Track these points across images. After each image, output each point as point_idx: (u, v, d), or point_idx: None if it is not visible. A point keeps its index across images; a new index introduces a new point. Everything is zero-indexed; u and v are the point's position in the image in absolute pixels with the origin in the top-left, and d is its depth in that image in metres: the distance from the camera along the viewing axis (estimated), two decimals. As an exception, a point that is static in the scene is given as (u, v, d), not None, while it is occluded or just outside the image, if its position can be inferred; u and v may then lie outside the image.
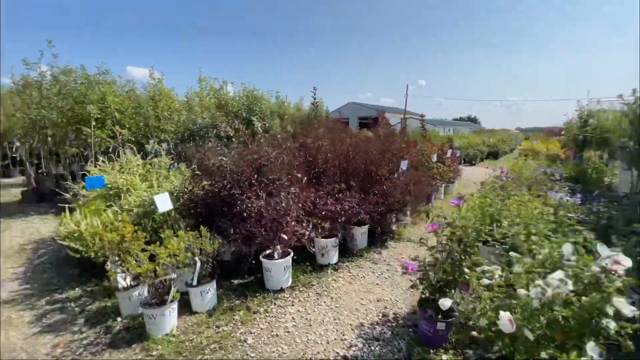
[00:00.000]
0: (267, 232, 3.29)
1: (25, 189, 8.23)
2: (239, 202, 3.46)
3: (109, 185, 4.39)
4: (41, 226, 5.91)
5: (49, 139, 7.45)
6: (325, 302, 3.04)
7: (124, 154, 7.52)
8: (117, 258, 3.09)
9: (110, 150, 7.53)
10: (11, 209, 7.27)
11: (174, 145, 8.56)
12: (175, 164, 5.74)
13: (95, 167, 5.36)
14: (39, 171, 10.12)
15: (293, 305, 3.01)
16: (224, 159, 3.77)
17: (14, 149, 10.58)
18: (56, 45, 6.76)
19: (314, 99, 4.70)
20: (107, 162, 5.52)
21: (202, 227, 3.12)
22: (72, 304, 3.13)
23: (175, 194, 4.09)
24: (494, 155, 18.18)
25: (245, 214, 3.36)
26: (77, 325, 2.78)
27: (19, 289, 3.47)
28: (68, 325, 2.78)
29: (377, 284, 3.40)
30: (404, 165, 4.72)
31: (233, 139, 9.30)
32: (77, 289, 3.42)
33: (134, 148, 7.06)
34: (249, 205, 3.30)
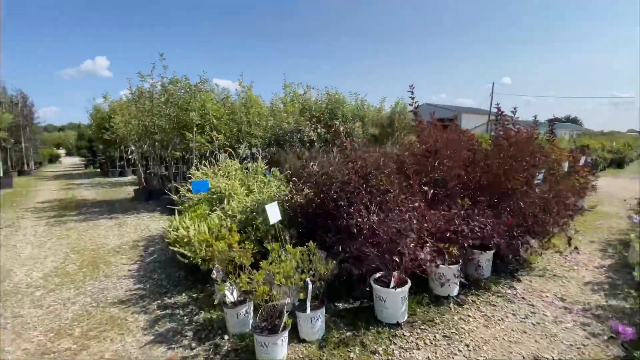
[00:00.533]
0: (381, 254, 2.80)
1: (137, 187, 9.23)
2: (345, 215, 3.05)
3: (213, 190, 4.42)
4: (150, 223, 6.39)
5: (156, 143, 8.21)
6: (460, 350, 2.42)
7: (220, 158, 7.87)
8: (223, 268, 2.93)
9: (207, 154, 7.96)
10: (126, 206, 8.15)
11: (262, 149, 8.74)
12: (268, 168, 5.66)
13: (198, 170, 5.56)
14: (147, 171, 11.36)
15: (419, 349, 2.45)
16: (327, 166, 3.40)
17: (128, 152, 12.16)
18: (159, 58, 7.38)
19: (412, 99, 4.09)
20: (208, 166, 5.71)
21: (310, 242, 2.78)
22: (181, 312, 3.06)
23: (276, 201, 3.89)
24: (617, 163, 14.97)
25: (354, 230, 2.94)
26: (187, 338, 2.65)
27: (133, 288, 3.58)
28: (178, 337, 2.67)
29: (525, 332, 2.64)
30: (540, 176, 3.81)
31: (315, 143, 9.16)
32: (183, 294, 3.38)
33: (232, 153, 7.30)
34: (359, 220, 2.85)
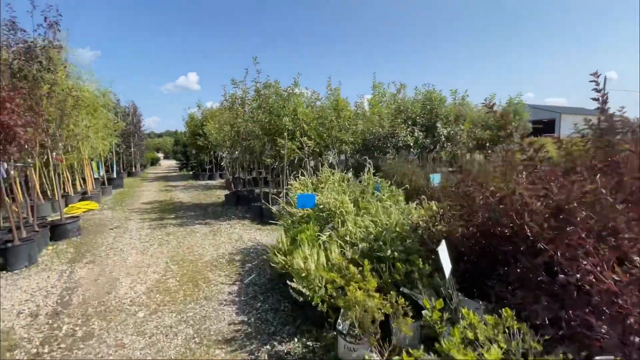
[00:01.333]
0: (623, 337, 1.71)
1: (227, 192, 9.29)
2: (563, 267, 2.01)
3: (320, 206, 3.76)
4: (243, 233, 6.10)
5: (247, 149, 8.09)
6: None
7: (309, 165, 7.36)
8: (353, 318, 2.17)
9: (295, 161, 7.53)
10: (217, 211, 8.15)
11: (350, 156, 8.03)
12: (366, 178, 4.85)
13: (296, 180, 5.01)
14: (235, 176, 11.54)
15: None
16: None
17: (218, 158, 12.65)
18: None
19: (598, 91, 2.97)
20: (303, 175, 5.13)
21: (506, 311, 1.82)
22: (296, 369, 2.38)
23: (399, 226, 3.02)
24: None
25: (566, 289, 1.90)
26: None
27: (237, 321, 3.06)
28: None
29: None
30: None
31: (412, 149, 8.09)
32: (296, 339, 2.72)
33: (330, 160, 6.68)
34: (589, 278, 1.80)
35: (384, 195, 3.88)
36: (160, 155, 37.41)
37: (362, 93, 9.44)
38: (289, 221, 3.95)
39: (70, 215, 6.94)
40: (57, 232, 5.98)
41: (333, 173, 4.82)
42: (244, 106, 7.64)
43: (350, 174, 5.01)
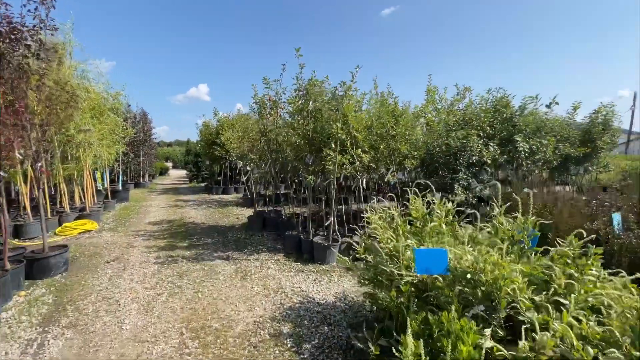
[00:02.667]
0: None
1: (251, 214, 7.78)
2: None
3: (455, 269, 2.20)
4: (281, 278, 4.54)
5: (278, 163, 6.62)
6: None
7: (361, 184, 5.83)
8: None
9: (341, 178, 6.00)
10: (240, 238, 6.61)
11: (415, 174, 6.49)
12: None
13: (374, 212, 3.48)
14: (258, 192, 10.03)
15: None
16: None
17: (238, 171, 11.23)
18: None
19: None
20: (375, 205, 3.62)
21: None
22: None
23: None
24: None
25: None
26: None
27: None
28: None
29: None
30: None
31: (487, 167, 6.52)
32: None
33: (388, 178, 5.21)
34: None
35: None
36: (169, 164, 36.45)
37: (407, 100, 7.70)
38: (388, 296, 2.39)
39: (56, 244, 5.47)
40: (36, 268, 4.51)
41: (430, 203, 3.27)
42: (276, 108, 6.21)
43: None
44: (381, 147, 5.73)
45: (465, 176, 5.99)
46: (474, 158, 6.05)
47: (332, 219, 5.21)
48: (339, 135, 5.00)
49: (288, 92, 6.31)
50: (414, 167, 6.19)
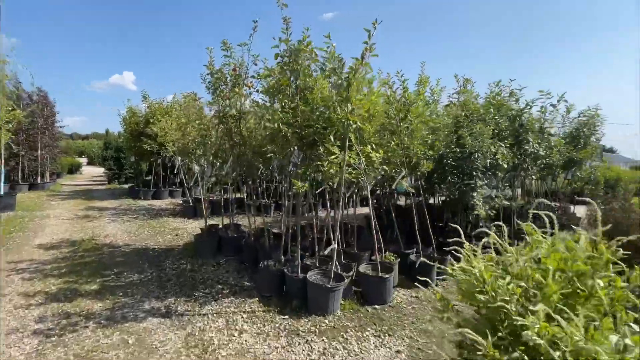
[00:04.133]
0: None
1: (200, 232, 5.68)
2: None
3: None
4: (269, 353, 2.75)
5: (239, 161, 4.74)
6: None
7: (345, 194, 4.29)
8: None
9: (332, 188, 4.40)
10: (186, 271, 4.55)
11: (418, 179, 5.14)
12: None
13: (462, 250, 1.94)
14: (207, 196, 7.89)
15: None
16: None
17: (176, 170, 8.83)
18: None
19: None
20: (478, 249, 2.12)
21: None
22: None
23: None
24: None
25: None
26: None
27: None
28: None
29: None
30: None
31: (498, 172, 5.50)
32: None
33: (404, 186, 3.86)
34: None
35: None
36: (84, 160, 30.76)
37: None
38: None
39: None
40: None
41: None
42: (242, 84, 4.35)
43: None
44: (392, 144, 4.26)
45: (483, 183, 4.86)
46: (488, 161, 4.96)
47: (334, 245, 3.58)
48: (348, 124, 3.39)
49: (261, 63, 4.52)
50: (426, 172, 4.87)
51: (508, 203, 5.31)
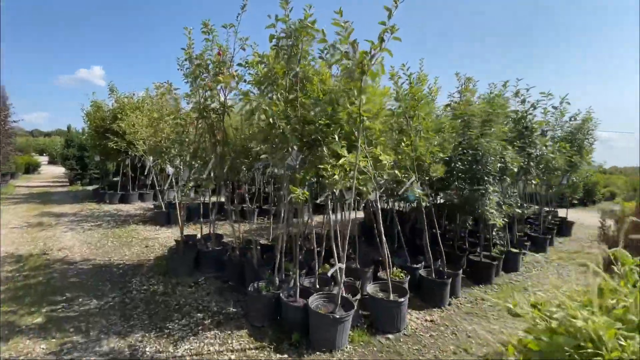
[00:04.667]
0: None
1: (175, 244, 4.89)
2: None
3: None
4: None
5: (222, 161, 4.05)
6: None
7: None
8: None
9: (337, 192, 3.80)
10: (156, 294, 3.78)
11: (428, 186, 4.62)
12: None
13: None
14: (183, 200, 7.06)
15: None
16: None
17: (148, 171, 7.90)
18: None
19: None
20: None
21: None
22: None
23: None
24: None
25: None
26: None
27: None
28: None
29: None
30: None
31: (506, 176, 5.12)
32: None
33: (416, 194, 3.35)
34: None
35: None
36: (44, 159, 28.40)
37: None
38: None
39: None
40: None
41: None
42: (228, 72, 3.68)
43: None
44: (402, 145, 3.73)
45: (496, 189, 4.44)
46: (499, 165, 4.56)
47: (340, 265, 2.98)
48: (361, 120, 2.81)
49: (249, 50, 3.89)
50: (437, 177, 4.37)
51: (520, 211, 4.95)
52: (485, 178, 4.42)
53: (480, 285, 4.50)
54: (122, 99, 9.31)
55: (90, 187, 12.68)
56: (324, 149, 3.11)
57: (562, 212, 8.35)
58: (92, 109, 9.91)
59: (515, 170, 4.68)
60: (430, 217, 4.38)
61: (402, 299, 3.17)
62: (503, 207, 4.56)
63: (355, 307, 2.97)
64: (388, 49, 2.69)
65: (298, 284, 3.23)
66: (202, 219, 5.54)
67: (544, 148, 5.27)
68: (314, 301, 3.04)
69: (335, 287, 3.44)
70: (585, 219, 9.43)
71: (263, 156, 3.22)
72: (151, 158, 7.51)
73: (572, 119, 7.11)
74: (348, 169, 3.07)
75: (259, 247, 4.29)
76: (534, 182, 6.19)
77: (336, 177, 3.02)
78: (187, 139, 3.84)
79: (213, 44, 3.94)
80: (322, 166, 3.11)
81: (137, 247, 5.57)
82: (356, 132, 2.90)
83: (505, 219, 4.51)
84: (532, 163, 5.42)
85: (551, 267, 5.46)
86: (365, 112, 2.83)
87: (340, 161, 2.92)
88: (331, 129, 3.20)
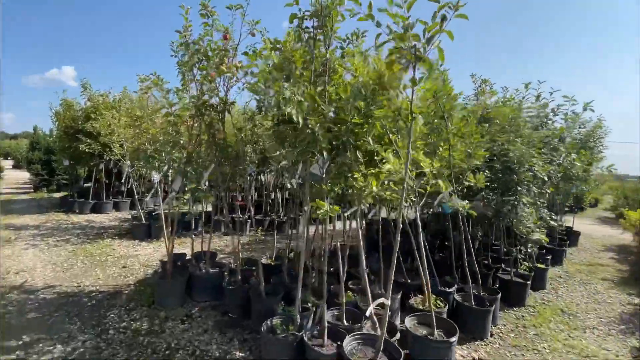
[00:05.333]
0: None
1: (161, 267, 4.12)
2: None
3: None
4: None
5: (220, 164, 3.37)
6: None
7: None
8: None
9: (367, 209, 3.22)
10: (138, 333, 3.02)
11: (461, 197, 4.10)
12: None
13: None
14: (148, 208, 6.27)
15: None
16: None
17: (124, 178, 7.03)
18: None
19: None
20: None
21: None
22: None
23: None
24: None
25: None
26: None
27: None
28: None
29: None
30: None
31: (533, 186, 4.70)
32: None
33: (454, 205, 2.81)
34: None
35: None
36: (8, 163, 26.27)
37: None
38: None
39: None
40: None
41: None
42: (232, 60, 3.04)
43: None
44: (440, 150, 3.20)
45: (529, 199, 4.00)
46: (530, 174, 4.13)
47: (385, 300, 2.38)
48: (413, 117, 2.24)
49: (257, 38, 3.28)
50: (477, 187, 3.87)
51: (555, 224, 4.54)
52: (519, 188, 3.98)
53: (514, 308, 4.01)
54: (97, 97, 8.36)
55: (57, 195, 11.46)
56: (358, 153, 2.52)
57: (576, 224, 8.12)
58: (62, 108, 8.89)
59: (546, 179, 4.27)
60: (463, 234, 3.87)
61: (452, 339, 2.60)
62: (544, 219, 4.12)
63: (403, 356, 2.36)
64: (449, 31, 2.14)
65: (325, 322, 2.60)
66: (192, 232, 4.79)
67: (569, 155, 4.92)
68: (348, 345, 2.42)
69: (367, 321, 2.83)
70: (583, 227, 9.29)
71: (283, 163, 2.58)
72: (129, 163, 6.68)
73: (582, 125, 6.89)
74: (384, 178, 2.51)
75: (259, 269, 3.61)
76: (548, 190, 5.85)
77: (373, 188, 2.44)
78: (180, 141, 3.14)
79: (213, 29, 3.30)
80: (354, 174, 2.53)
81: (113, 267, 4.74)
82: (403, 133, 2.34)
83: (543, 233, 4.06)
84: (551, 171, 5.06)
85: (575, 283, 5.08)
86: (416, 107, 2.27)
87: (386, 167, 2.34)
88: (364, 129, 2.63)
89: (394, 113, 2.38)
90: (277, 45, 2.79)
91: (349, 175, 2.66)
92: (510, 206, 3.98)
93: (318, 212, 2.35)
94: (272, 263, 4.39)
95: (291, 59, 2.65)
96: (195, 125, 3.20)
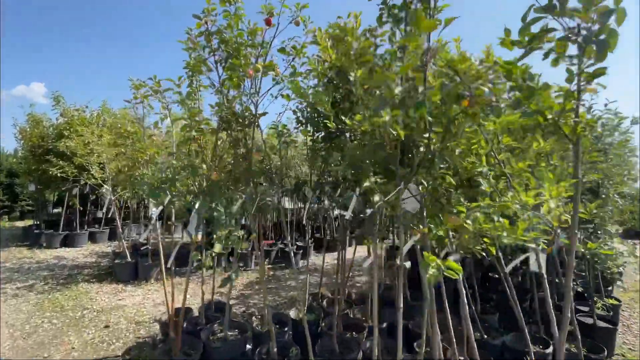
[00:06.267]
0: None
1: (160, 335, 3.10)
2: None
3: None
4: None
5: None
6: None
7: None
8: None
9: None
10: None
11: None
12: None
13: None
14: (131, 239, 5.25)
15: None
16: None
17: (107, 206, 5.89)
18: None
19: None
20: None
21: None
22: None
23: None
24: None
25: None
26: None
27: None
28: None
29: None
30: None
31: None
32: None
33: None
34: None
35: None
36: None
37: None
38: None
39: None
40: None
41: None
42: (258, 62, 2.24)
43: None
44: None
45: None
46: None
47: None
48: (579, 129, 1.49)
49: (299, 31, 2.52)
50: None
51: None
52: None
53: (608, 363, 3.26)
54: (71, 111, 7.26)
55: (20, 224, 9.99)
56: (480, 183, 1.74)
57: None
58: (29, 125, 7.70)
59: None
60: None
61: None
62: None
63: None
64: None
65: None
66: (189, 269, 3.80)
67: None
68: None
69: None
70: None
71: (376, 198, 1.74)
72: (110, 189, 5.59)
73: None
74: (493, 213, 1.74)
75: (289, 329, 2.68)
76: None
77: (500, 227, 1.66)
78: (203, 165, 2.23)
79: (233, 19, 2.49)
80: (458, 209, 1.75)
81: (91, 329, 3.64)
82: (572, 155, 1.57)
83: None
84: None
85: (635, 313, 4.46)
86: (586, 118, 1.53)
87: (528, 201, 1.57)
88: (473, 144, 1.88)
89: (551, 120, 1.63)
90: (343, 36, 2.01)
91: (451, 209, 1.87)
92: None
93: (431, 272, 1.52)
94: (297, 318, 3.42)
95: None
96: (219, 143, 2.34)
